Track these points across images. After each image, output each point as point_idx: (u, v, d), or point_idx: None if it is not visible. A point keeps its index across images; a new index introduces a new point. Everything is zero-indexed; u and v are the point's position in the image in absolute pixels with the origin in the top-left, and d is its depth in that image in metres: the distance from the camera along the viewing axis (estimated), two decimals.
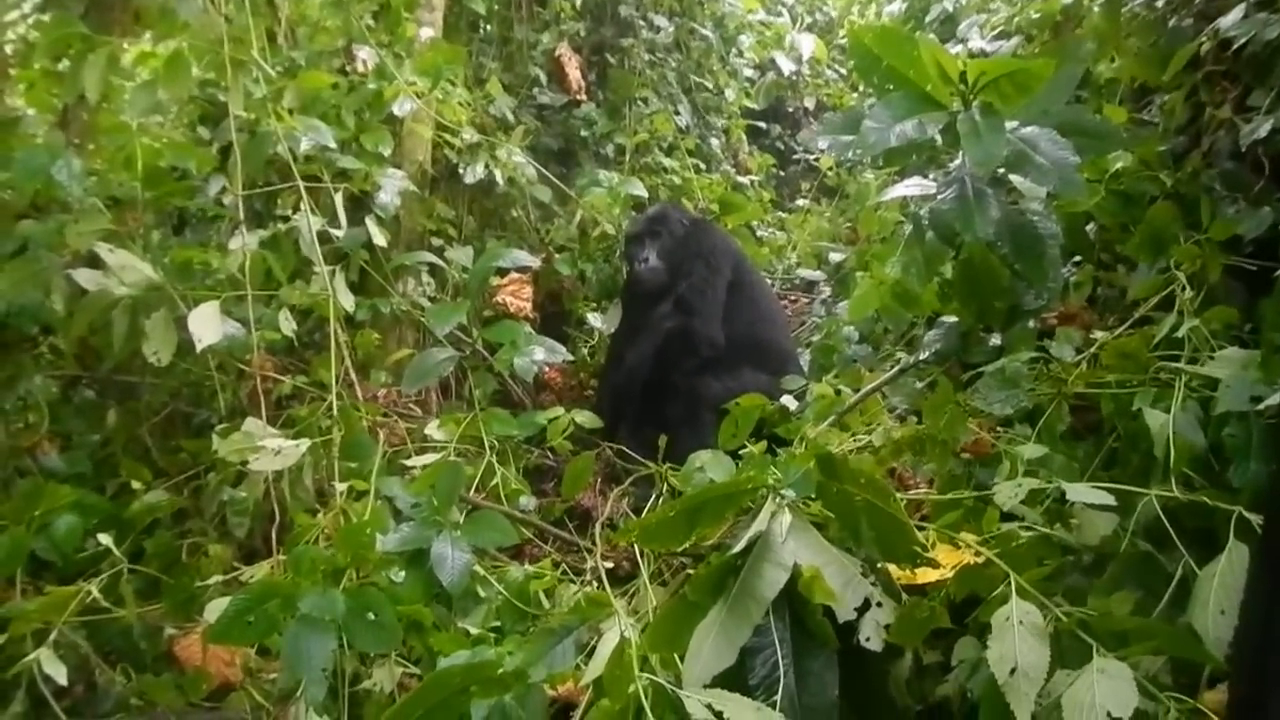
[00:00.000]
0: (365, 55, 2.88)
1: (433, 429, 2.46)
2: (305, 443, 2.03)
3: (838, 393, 2.57)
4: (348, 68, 2.94)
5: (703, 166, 4.51)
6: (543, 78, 3.88)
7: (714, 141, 4.72)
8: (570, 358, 3.00)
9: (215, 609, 1.66)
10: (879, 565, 1.56)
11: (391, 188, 2.81)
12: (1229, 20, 2.20)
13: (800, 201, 5.30)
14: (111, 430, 2.60)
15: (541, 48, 3.85)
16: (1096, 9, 2.76)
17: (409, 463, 2.30)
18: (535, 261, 3.11)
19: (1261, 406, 1.62)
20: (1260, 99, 2.20)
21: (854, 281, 3.58)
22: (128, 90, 2.66)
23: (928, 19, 4.26)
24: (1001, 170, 2.11)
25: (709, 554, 1.77)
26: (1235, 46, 2.18)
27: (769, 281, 4.26)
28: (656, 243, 3.24)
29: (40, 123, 2.79)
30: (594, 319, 3.62)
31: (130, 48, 2.81)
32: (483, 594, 1.87)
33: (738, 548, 1.48)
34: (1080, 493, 1.57)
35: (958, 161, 2.24)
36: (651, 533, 1.58)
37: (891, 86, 2.08)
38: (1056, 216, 2.24)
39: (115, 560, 1.94)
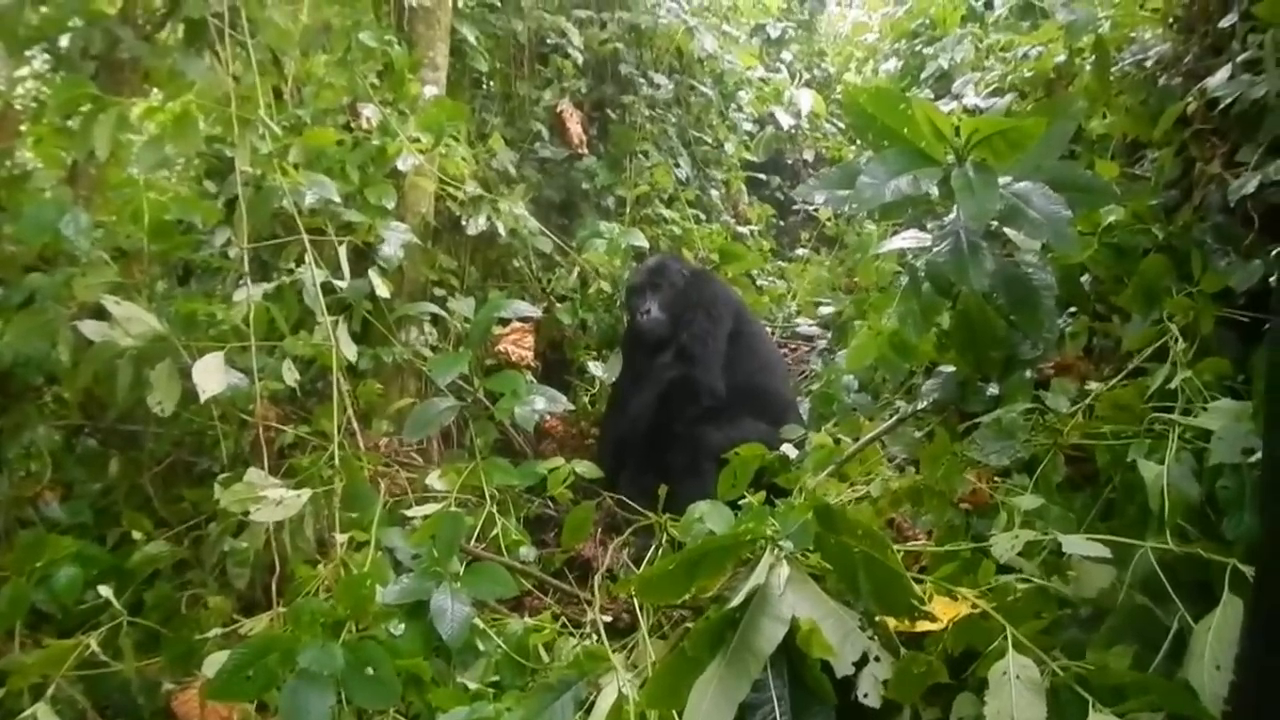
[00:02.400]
0: (370, 112, 2.93)
1: (434, 479, 2.47)
2: (307, 493, 2.04)
3: (836, 442, 2.58)
4: (352, 124, 2.99)
5: (703, 217, 4.57)
6: (545, 132, 3.94)
7: (714, 193, 4.78)
8: (571, 407, 3.01)
9: (214, 663, 1.65)
10: (877, 618, 1.56)
11: (395, 240, 2.84)
12: (1216, 80, 2.25)
13: (800, 251, 5.36)
14: (113, 479, 2.61)
15: (543, 104, 3.91)
16: (1088, 67, 2.81)
17: (410, 513, 2.30)
18: (537, 311, 3.14)
19: (1254, 459, 1.63)
20: (1249, 155, 2.23)
21: (852, 330, 3.62)
22: (135, 145, 2.71)
23: (923, 75, 4.34)
24: (996, 223, 2.15)
25: (708, 606, 1.77)
26: (1222, 106, 2.22)
27: (769, 330, 4.29)
28: (657, 294, 3.27)
29: (48, 176, 2.84)
30: (595, 367, 3.64)
31: (138, 104, 2.87)
32: (482, 647, 1.86)
33: (736, 601, 1.48)
34: (1077, 545, 1.58)
35: (953, 215, 2.28)
36: (651, 585, 1.58)
37: (886, 143, 2.13)
38: (1051, 268, 2.27)
39: (115, 612, 1.94)
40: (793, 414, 3.21)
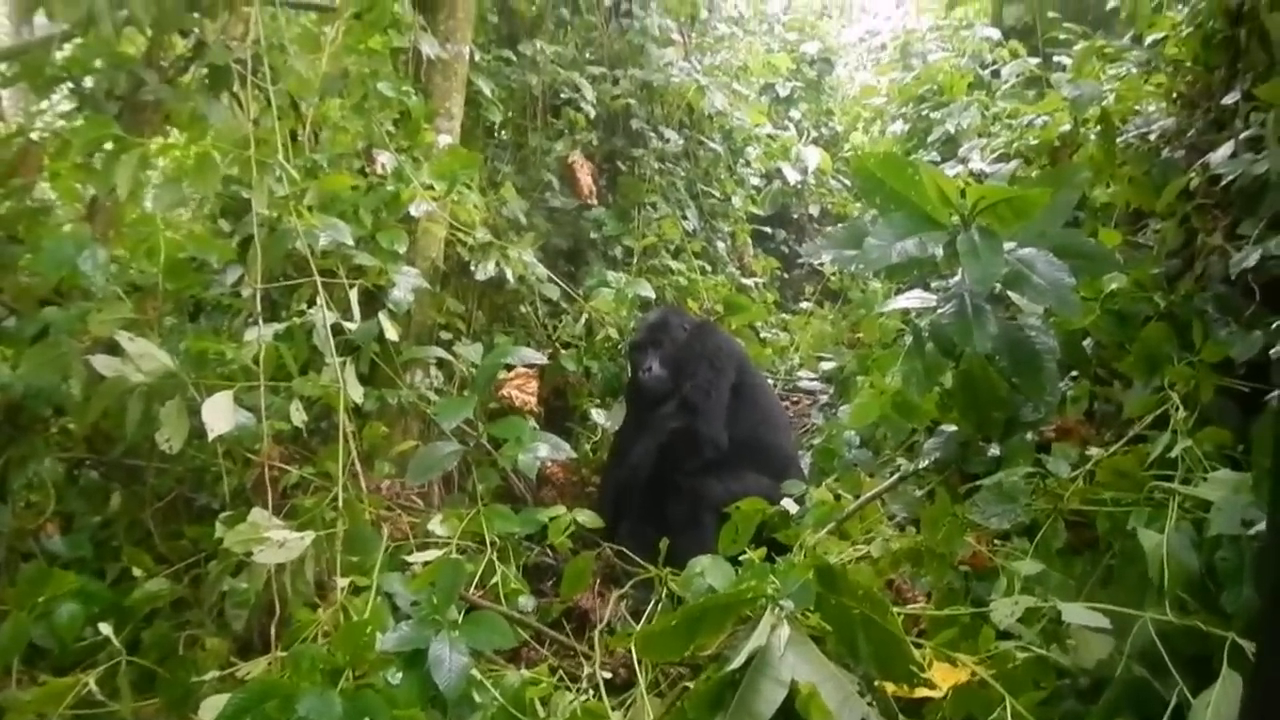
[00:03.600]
0: (385, 159, 2.98)
1: (435, 524, 2.47)
2: (310, 535, 2.05)
3: (837, 498, 2.59)
4: (367, 169, 3.04)
5: (708, 268, 4.61)
6: (555, 182, 4.00)
7: (720, 244, 4.84)
8: (573, 454, 3.02)
9: (211, 708, 1.65)
10: (876, 683, 1.56)
11: (405, 285, 2.88)
12: (1218, 156, 2.29)
13: (804, 304, 5.40)
14: (114, 512, 2.61)
15: (555, 154, 3.98)
16: (1093, 137, 2.86)
17: (411, 558, 2.30)
18: (542, 358, 3.16)
19: (1253, 531, 1.64)
20: (1250, 228, 2.27)
21: (854, 386, 3.64)
22: (154, 183, 2.76)
23: (930, 139, 4.41)
24: (999, 286, 2.18)
25: (707, 665, 1.77)
26: (1225, 182, 2.26)
27: (771, 382, 4.31)
28: (659, 350, 3.30)
29: (67, 211, 2.88)
30: (598, 415, 3.66)
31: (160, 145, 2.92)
32: (478, 699, 1.85)
33: (736, 662, 1.48)
34: (1076, 614, 1.59)
35: (957, 278, 2.31)
36: (651, 643, 1.58)
37: (894, 207, 2.16)
38: (1054, 331, 2.30)
39: (113, 650, 1.93)
40: (794, 469, 3.21)
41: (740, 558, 2.27)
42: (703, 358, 3.30)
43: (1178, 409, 2.10)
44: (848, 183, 5.81)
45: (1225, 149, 2.29)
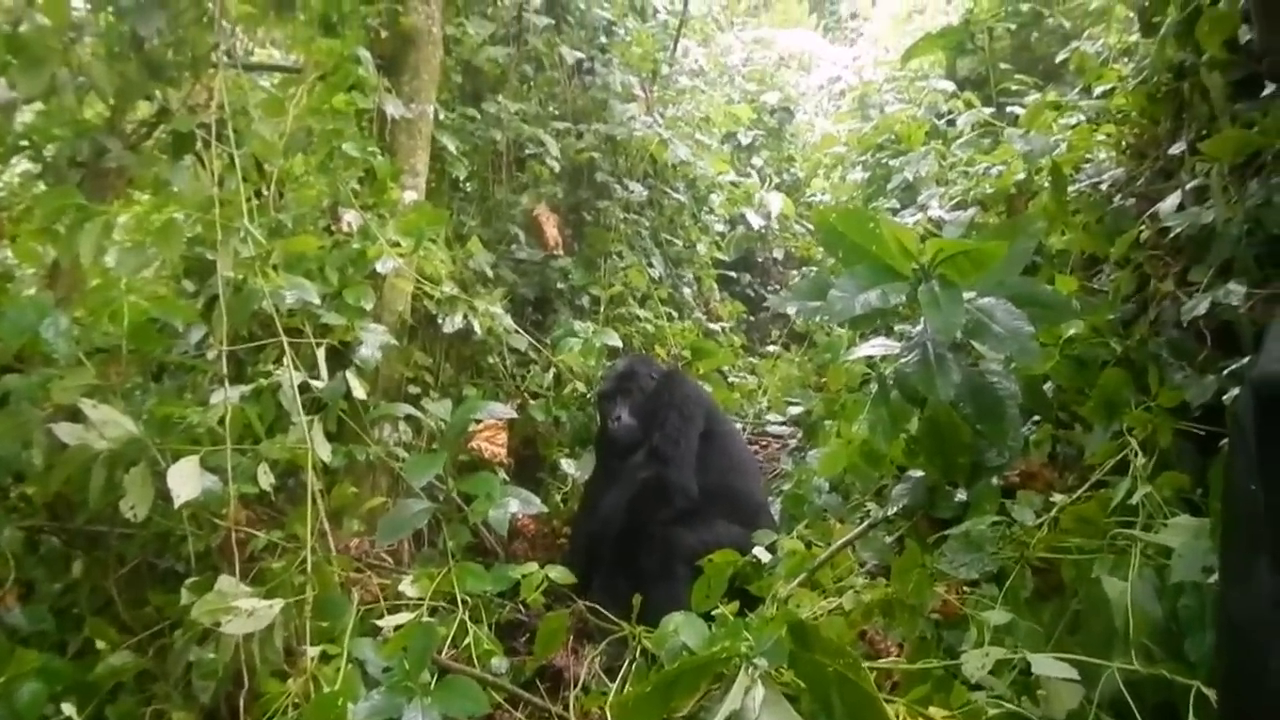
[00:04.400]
0: (351, 217, 2.99)
1: (406, 585, 2.45)
2: (279, 602, 2.02)
3: (808, 546, 2.60)
4: (333, 227, 3.05)
5: (675, 314, 4.65)
6: (521, 234, 4.03)
7: (686, 290, 4.88)
8: (544, 508, 3.02)
9: None
10: None
11: (373, 342, 2.87)
12: (1166, 207, 2.36)
13: (770, 347, 5.45)
14: (76, 579, 2.56)
15: (520, 207, 4.01)
16: (1047, 184, 2.94)
17: (382, 622, 2.28)
18: (511, 413, 3.16)
19: (1213, 579, 1.67)
20: (1200, 275, 2.33)
21: (823, 430, 3.67)
22: (117, 245, 2.74)
23: (889, 186, 4.49)
24: (961, 335, 2.23)
25: None
26: (1173, 234, 2.33)
27: (740, 426, 4.33)
28: (628, 400, 3.31)
29: (28, 278, 2.85)
30: (568, 465, 3.66)
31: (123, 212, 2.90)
32: None
33: None
34: (1045, 665, 1.61)
35: (920, 326, 2.35)
36: (628, 709, 1.58)
37: (855, 259, 2.21)
38: (1015, 377, 2.34)
39: None
40: (764, 517, 3.22)
41: (713, 612, 2.27)
42: (672, 406, 3.31)
43: (1137, 455, 2.14)
44: (810, 227, 5.89)
45: (1173, 199, 2.36)
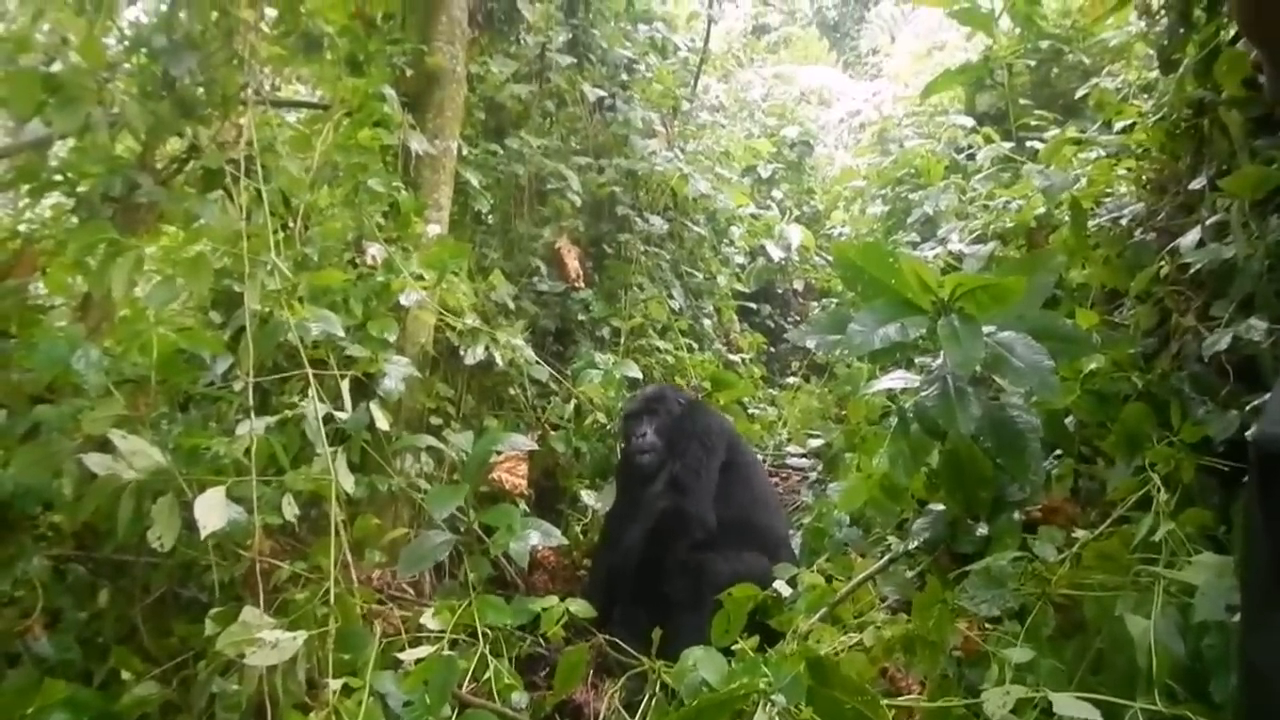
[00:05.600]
0: (375, 250, 3.03)
1: (428, 617, 2.46)
2: (303, 634, 2.03)
3: (829, 580, 2.59)
4: (358, 260, 3.09)
5: (695, 346, 4.67)
6: (543, 267, 4.07)
7: (706, 322, 4.90)
8: (565, 541, 3.02)
9: None
10: None
11: (396, 374, 2.90)
12: (1187, 242, 2.36)
13: (790, 379, 5.45)
14: (102, 608, 2.59)
15: (542, 240, 4.05)
16: (1066, 220, 2.94)
17: (403, 655, 2.29)
18: (532, 444, 3.18)
19: (1237, 617, 1.65)
20: (1222, 310, 2.33)
21: (843, 463, 3.66)
22: (148, 279, 2.79)
23: (909, 220, 4.51)
24: (981, 369, 2.23)
25: None
26: (1194, 270, 2.33)
27: (760, 458, 4.33)
28: (654, 420, 3.32)
29: (60, 307, 2.90)
30: (588, 497, 3.66)
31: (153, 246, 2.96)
32: None
33: None
34: (1067, 704, 1.59)
35: (940, 360, 2.36)
36: None
37: (875, 294, 2.22)
38: (1036, 411, 2.34)
39: None
40: (785, 551, 3.22)
41: (733, 647, 2.27)
42: (694, 436, 3.32)
43: (1159, 490, 2.12)
44: (830, 259, 5.91)
45: (1193, 234, 2.36)
